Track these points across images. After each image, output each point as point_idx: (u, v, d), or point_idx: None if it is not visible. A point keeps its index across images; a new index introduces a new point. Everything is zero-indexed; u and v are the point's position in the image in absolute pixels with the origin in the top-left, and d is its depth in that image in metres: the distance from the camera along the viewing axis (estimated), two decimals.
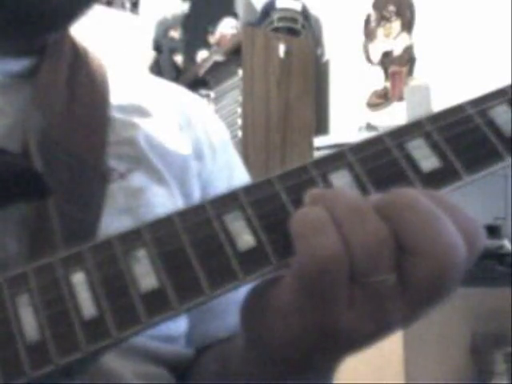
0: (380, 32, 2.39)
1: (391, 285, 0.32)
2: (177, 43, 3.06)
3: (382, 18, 2.39)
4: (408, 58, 2.25)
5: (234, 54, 2.47)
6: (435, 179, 0.34)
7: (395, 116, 2.20)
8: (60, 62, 0.57)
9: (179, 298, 0.33)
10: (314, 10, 2.64)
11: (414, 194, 0.33)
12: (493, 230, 1.62)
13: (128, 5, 3.30)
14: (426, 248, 0.31)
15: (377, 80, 2.37)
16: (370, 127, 2.10)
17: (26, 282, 0.34)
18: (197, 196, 0.60)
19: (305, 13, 2.58)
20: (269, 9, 2.56)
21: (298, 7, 2.55)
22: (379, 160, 0.35)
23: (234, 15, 2.79)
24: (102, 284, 0.34)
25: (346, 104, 2.48)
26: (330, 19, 2.61)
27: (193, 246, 0.34)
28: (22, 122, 0.52)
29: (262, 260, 0.34)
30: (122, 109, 0.59)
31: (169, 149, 0.59)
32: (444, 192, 0.34)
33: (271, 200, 0.35)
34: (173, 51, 3.05)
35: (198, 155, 0.62)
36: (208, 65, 2.59)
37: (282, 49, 2.43)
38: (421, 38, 2.21)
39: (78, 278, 0.34)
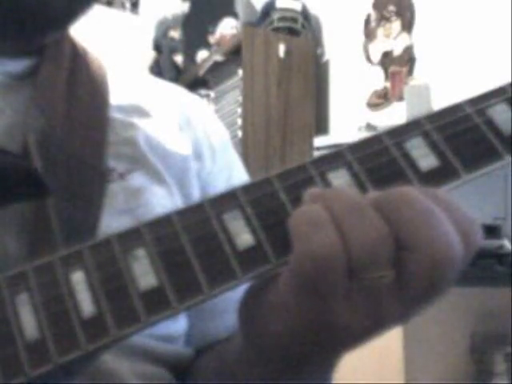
0: (380, 32, 2.40)
1: (389, 281, 0.32)
2: (177, 43, 3.06)
3: (382, 18, 2.39)
4: (408, 58, 2.25)
5: (234, 54, 2.47)
6: (434, 178, 0.35)
7: (395, 116, 2.20)
8: (60, 63, 0.57)
9: (178, 296, 0.33)
10: (314, 10, 2.64)
11: (411, 192, 0.33)
12: (493, 230, 1.62)
13: (128, 5, 3.30)
14: (421, 244, 0.31)
15: (377, 80, 2.37)
16: (369, 127, 2.10)
17: (26, 281, 0.34)
18: (196, 196, 0.60)
19: (305, 13, 2.58)
20: (269, 9, 2.56)
21: (297, 7, 2.55)
22: (378, 159, 0.35)
23: (234, 15, 2.79)
24: (102, 283, 0.34)
25: (346, 104, 2.48)
26: (330, 19, 2.61)
27: (192, 245, 0.34)
28: (22, 122, 0.52)
29: (260, 259, 0.34)
30: (122, 109, 0.59)
31: (168, 149, 0.59)
32: (443, 190, 0.34)
33: (270, 199, 0.35)
34: (173, 51, 3.05)
35: (198, 155, 0.62)
36: (208, 65, 2.59)
37: (282, 49, 2.43)
38: (421, 38, 2.21)
39: (78, 277, 0.34)
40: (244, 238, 0.34)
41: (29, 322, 0.33)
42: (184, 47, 2.99)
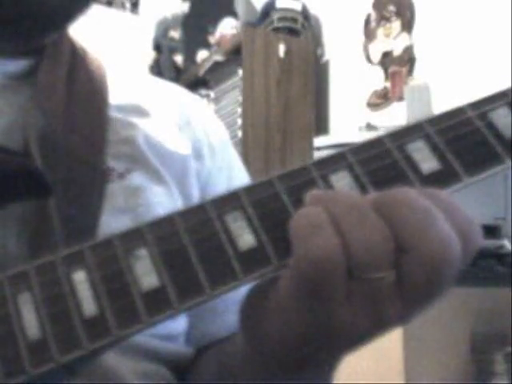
0: (380, 32, 2.40)
1: (390, 282, 0.32)
2: (177, 43, 3.06)
3: (382, 18, 2.39)
4: (408, 58, 2.25)
5: (234, 53, 2.47)
6: (435, 181, 0.35)
7: (395, 116, 2.20)
8: (59, 63, 0.57)
9: (180, 297, 0.33)
10: (314, 10, 2.64)
11: (410, 192, 0.33)
12: (493, 230, 1.62)
13: (128, 5, 3.30)
14: (418, 244, 0.31)
15: (377, 80, 2.37)
16: (370, 127, 2.10)
17: (28, 280, 0.34)
18: (196, 196, 0.60)
19: (305, 13, 2.58)
20: (269, 9, 2.56)
21: (298, 7, 2.55)
22: (379, 161, 0.35)
23: (234, 15, 2.79)
24: (103, 282, 0.34)
25: (346, 104, 2.48)
26: (330, 19, 2.61)
27: (194, 245, 0.34)
28: (22, 122, 0.52)
29: (262, 260, 0.34)
30: (121, 108, 0.59)
31: (168, 148, 0.59)
32: (443, 191, 0.34)
33: (272, 200, 0.35)
34: (173, 51, 3.05)
35: (198, 155, 0.62)
36: (208, 65, 2.59)
37: (281, 49, 2.43)
38: (421, 38, 2.21)
39: (80, 277, 0.34)
40: (246, 239, 0.34)
41: (30, 321, 0.33)
42: (184, 47, 2.99)
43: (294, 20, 2.54)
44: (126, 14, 3.26)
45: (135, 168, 0.56)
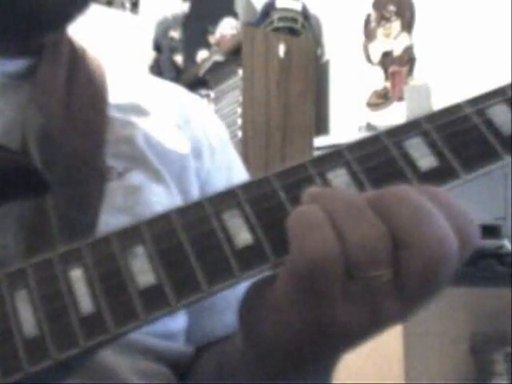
0: (380, 32, 2.40)
1: (387, 280, 0.32)
2: (177, 43, 3.06)
3: (382, 18, 2.39)
4: (408, 58, 2.25)
5: (234, 54, 2.47)
6: (433, 178, 0.35)
7: (395, 116, 2.20)
8: (58, 62, 0.57)
9: (177, 294, 0.33)
10: (313, 10, 2.64)
11: (406, 189, 0.33)
12: (493, 230, 1.62)
13: (128, 5, 3.30)
14: (414, 241, 0.31)
15: (377, 80, 2.37)
16: (370, 127, 2.10)
17: (25, 278, 0.34)
18: (195, 195, 0.60)
19: (305, 13, 2.58)
20: (269, 9, 2.56)
21: (298, 7, 2.55)
22: (377, 159, 0.35)
23: (234, 15, 2.79)
24: (100, 280, 0.34)
25: (346, 104, 2.48)
26: (330, 19, 2.61)
27: (191, 242, 0.34)
28: (21, 121, 0.52)
29: (259, 257, 0.34)
30: (121, 108, 0.59)
31: (167, 148, 0.59)
32: (441, 188, 0.34)
33: (269, 198, 0.35)
34: (173, 51, 3.05)
35: (197, 154, 0.62)
36: (208, 65, 2.59)
37: (281, 49, 2.43)
38: (421, 38, 2.21)
39: (77, 274, 0.34)
40: (243, 236, 0.34)
41: (27, 318, 0.33)
42: (184, 47, 2.99)
43: (294, 20, 2.55)
44: (126, 14, 3.26)
45: (134, 167, 0.56)
